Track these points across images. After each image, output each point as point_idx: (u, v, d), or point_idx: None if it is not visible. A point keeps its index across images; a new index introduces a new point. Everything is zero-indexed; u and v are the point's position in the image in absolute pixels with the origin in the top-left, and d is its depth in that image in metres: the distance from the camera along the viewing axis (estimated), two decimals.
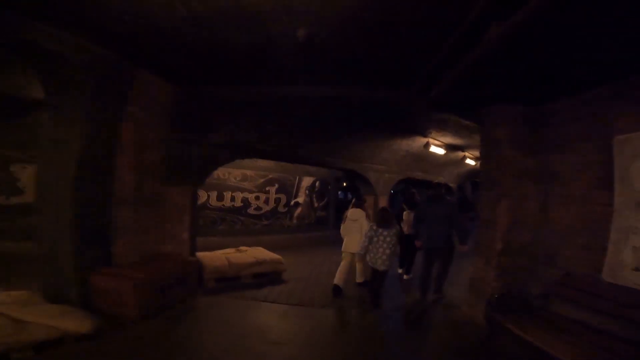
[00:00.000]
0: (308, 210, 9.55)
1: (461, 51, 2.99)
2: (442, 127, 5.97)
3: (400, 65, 3.58)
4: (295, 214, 9.24)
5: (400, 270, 6.06)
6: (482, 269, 3.91)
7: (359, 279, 5.23)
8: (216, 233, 7.60)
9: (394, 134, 6.90)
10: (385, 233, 4.30)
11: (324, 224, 10.04)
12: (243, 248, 5.91)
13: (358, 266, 5.20)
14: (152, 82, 4.07)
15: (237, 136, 5.27)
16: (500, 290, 3.59)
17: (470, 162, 9.50)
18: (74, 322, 3.03)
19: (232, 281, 5.05)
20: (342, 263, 4.95)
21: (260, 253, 5.65)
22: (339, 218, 10.91)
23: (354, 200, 5.41)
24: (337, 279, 4.80)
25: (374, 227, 4.39)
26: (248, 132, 5.38)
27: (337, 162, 7.47)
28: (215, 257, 5.17)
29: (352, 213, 5.15)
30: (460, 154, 8.76)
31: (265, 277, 5.35)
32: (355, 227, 4.96)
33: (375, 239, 4.35)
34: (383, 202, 8.47)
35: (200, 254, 5.16)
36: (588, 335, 2.72)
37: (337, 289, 4.74)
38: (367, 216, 5.25)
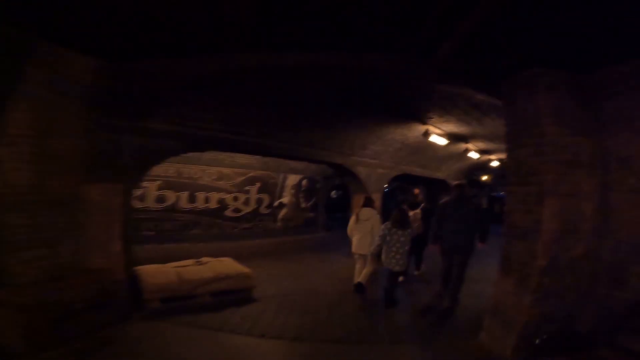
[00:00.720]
0: (294, 212, 8.65)
1: None
2: (447, 107, 4.92)
3: (394, 11, 2.53)
4: (280, 216, 8.34)
5: (417, 272, 5.93)
6: (512, 292, 2.83)
7: (362, 278, 4.74)
8: (188, 238, 6.59)
9: (388, 121, 5.85)
10: (399, 233, 4.28)
11: (313, 226, 9.13)
12: (205, 259, 4.82)
13: (367, 269, 4.82)
14: (61, 55, 3.05)
15: (188, 122, 4.18)
16: (540, 320, 2.56)
17: (474, 155, 8.63)
18: None
19: (185, 301, 3.98)
20: (357, 266, 4.99)
21: (223, 266, 4.56)
22: (335, 219, 10.24)
23: (364, 200, 5.29)
24: (356, 278, 4.88)
25: (388, 226, 4.35)
26: (203, 117, 4.31)
27: (320, 155, 6.38)
28: (160, 272, 4.07)
29: (363, 213, 5.02)
30: (463, 145, 7.86)
31: (229, 295, 4.29)
32: (367, 227, 4.83)
33: (388, 238, 4.32)
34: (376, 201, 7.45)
35: (142, 268, 4.09)
36: None
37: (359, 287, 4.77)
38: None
